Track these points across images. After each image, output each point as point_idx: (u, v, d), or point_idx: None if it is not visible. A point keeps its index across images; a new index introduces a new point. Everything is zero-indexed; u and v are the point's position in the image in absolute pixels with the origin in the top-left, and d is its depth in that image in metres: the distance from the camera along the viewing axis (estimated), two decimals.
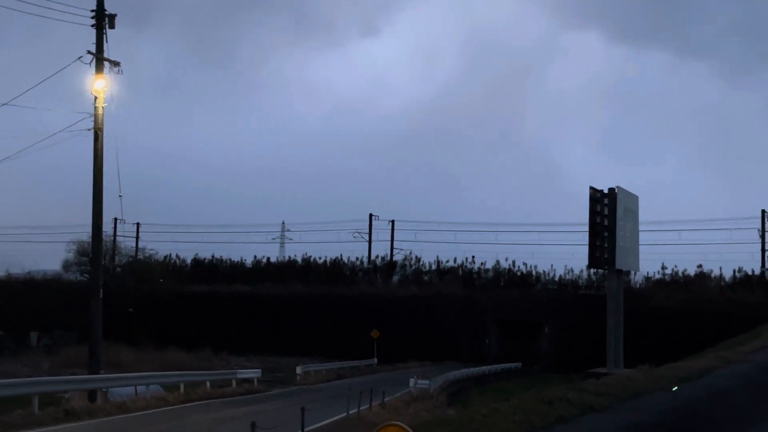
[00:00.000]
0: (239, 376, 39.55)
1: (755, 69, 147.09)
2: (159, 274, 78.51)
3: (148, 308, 69.83)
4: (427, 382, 36.07)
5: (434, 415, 22.62)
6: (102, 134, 32.10)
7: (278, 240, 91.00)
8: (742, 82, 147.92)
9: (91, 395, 28.85)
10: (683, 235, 71.91)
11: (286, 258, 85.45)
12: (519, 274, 75.02)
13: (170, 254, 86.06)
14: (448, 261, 77.26)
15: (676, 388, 13.41)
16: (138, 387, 31.12)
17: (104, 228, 35.06)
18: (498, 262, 75.76)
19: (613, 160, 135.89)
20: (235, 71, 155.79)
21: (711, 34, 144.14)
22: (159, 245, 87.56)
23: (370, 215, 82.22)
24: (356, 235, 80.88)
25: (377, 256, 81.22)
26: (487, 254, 79.40)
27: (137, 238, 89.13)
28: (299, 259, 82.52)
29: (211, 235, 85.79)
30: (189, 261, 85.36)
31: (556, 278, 73.86)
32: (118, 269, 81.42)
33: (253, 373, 41.50)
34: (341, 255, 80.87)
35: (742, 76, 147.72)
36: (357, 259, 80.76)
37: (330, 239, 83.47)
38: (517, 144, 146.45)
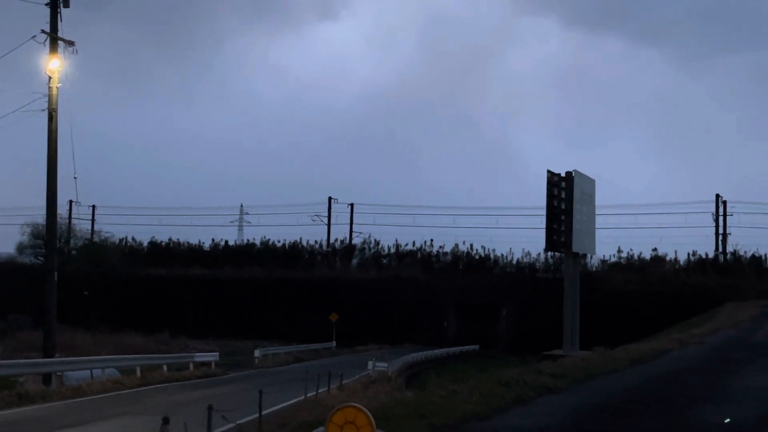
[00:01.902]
0: (197, 359, 39.36)
1: (708, 55, 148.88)
2: (115, 257, 77.66)
3: (104, 291, 69.09)
4: (385, 364, 36.18)
5: (392, 397, 22.65)
6: (56, 115, 31.60)
7: (236, 223, 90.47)
8: (696, 69, 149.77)
9: (46, 379, 28.53)
10: (639, 219, 72.82)
11: (245, 241, 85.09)
12: (477, 257, 75.39)
13: (126, 237, 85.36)
14: (407, 244, 77.50)
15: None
16: (93, 370, 30.84)
17: (59, 210, 34.54)
18: (456, 245, 76.14)
19: (569, 144, 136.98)
20: (192, 52, 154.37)
21: (665, 21, 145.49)
22: (115, 228, 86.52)
23: (330, 198, 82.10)
24: (315, 218, 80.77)
25: (336, 240, 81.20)
26: (445, 238, 79.68)
27: (93, 220, 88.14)
28: (258, 243, 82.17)
29: (169, 218, 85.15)
30: (146, 244, 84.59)
31: (514, 261, 74.38)
32: (74, 252, 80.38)
33: (211, 357, 41.31)
34: (300, 238, 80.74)
35: (695, 63, 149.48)
36: (316, 242, 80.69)
37: (289, 222, 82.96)
38: (474, 127, 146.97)
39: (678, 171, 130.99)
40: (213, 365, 39.79)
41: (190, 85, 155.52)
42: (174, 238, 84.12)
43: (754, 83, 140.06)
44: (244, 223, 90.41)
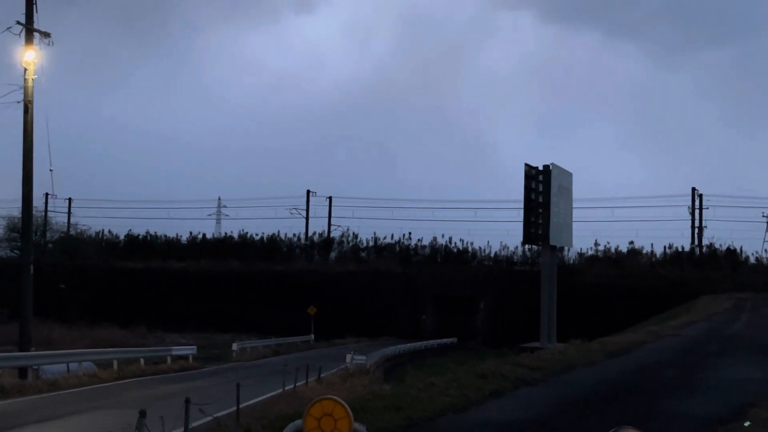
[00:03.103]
0: (174, 353, 39.24)
1: (683, 50, 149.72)
2: (91, 250, 77.28)
3: (80, 285, 68.80)
4: (363, 357, 36.23)
5: (370, 390, 22.72)
6: (32, 107, 31.33)
7: (214, 216, 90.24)
8: (671, 63, 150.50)
9: (22, 373, 28.33)
10: (615, 212, 73.42)
11: (223, 234, 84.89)
12: (455, 250, 75.61)
13: (103, 230, 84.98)
14: (385, 237, 77.65)
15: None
16: (70, 364, 30.66)
17: (35, 203, 34.33)
18: (435, 238, 76.36)
19: (546, 137, 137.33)
20: (168, 44, 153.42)
21: (641, 15, 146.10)
22: (91, 221, 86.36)
23: (308, 192, 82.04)
24: (293, 211, 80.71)
25: (314, 233, 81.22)
26: (424, 231, 79.97)
27: (69, 213, 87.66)
28: (236, 236, 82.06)
29: (146, 211, 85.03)
30: (122, 237, 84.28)
31: (492, 254, 74.69)
32: (50, 245, 79.99)
33: (189, 350, 41.20)
34: (278, 231, 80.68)
35: (670, 57, 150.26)
36: (294, 235, 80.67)
37: (267, 215, 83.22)
38: (452, 121, 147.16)
39: (654, 165, 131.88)
40: (190, 359, 39.68)
41: (167, 77, 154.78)
42: (151, 232, 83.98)
43: (730, 77, 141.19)
44: (222, 216, 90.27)
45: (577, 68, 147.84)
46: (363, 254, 77.79)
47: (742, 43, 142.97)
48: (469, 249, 75.46)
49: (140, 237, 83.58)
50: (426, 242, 76.48)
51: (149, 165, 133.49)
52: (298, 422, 7.82)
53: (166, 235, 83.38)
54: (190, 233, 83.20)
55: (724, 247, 71.72)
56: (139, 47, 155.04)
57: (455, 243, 75.60)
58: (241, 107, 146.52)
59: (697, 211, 73.18)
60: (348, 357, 35.70)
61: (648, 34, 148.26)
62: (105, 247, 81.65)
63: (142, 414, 10.72)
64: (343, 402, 7.67)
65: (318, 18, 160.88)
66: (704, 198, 73.14)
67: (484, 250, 75.08)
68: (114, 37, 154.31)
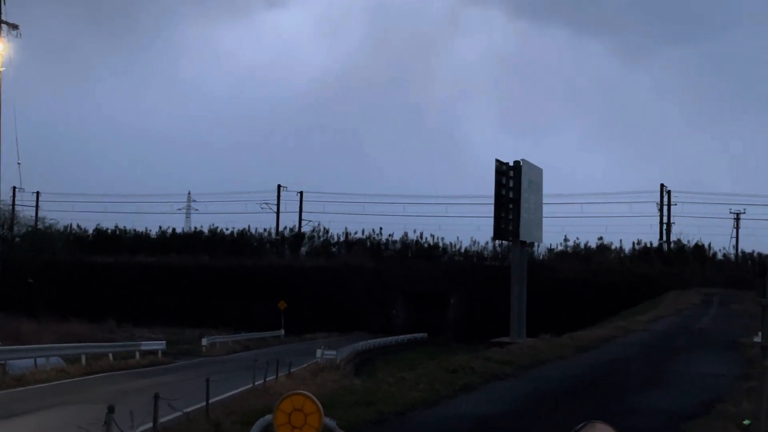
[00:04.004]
0: (143, 347, 38.98)
1: (650, 47, 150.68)
2: (60, 244, 76.61)
3: (48, 279, 68.20)
4: (334, 352, 36.21)
5: (341, 385, 22.72)
6: None
7: (184, 210, 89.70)
8: (639, 60, 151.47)
9: None
10: (585, 208, 73.74)
11: (192, 229, 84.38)
12: (426, 245, 75.72)
13: (71, 224, 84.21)
14: (356, 232, 77.56)
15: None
16: (38, 359, 30.39)
17: (2, 197, 33.95)
18: (406, 233, 76.39)
19: (517, 133, 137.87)
20: (137, 37, 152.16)
21: (609, 12, 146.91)
22: (60, 215, 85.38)
23: (278, 186, 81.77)
24: (264, 206, 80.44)
25: (285, 228, 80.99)
26: (394, 226, 79.87)
27: (37, 207, 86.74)
28: (205, 230, 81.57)
29: (115, 205, 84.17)
30: (91, 231, 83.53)
31: (462, 250, 74.83)
32: (18, 239, 79.18)
33: (158, 345, 40.96)
34: (249, 226, 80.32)
35: (638, 54, 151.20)
36: (265, 230, 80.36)
37: (237, 210, 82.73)
38: (423, 116, 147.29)
39: (623, 161, 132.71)
40: (160, 354, 39.45)
41: (136, 70, 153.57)
42: (120, 226, 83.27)
43: (698, 74, 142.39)
44: (192, 211, 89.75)
45: (546, 64, 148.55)
46: (334, 249, 77.71)
47: (709, 41, 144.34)
48: (440, 244, 75.65)
49: (109, 231, 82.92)
50: (397, 237, 76.58)
51: (118, 158, 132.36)
52: (268, 417, 7.79)
53: (135, 230, 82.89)
54: (160, 227, 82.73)
55: (692, 243, 72.43)
56: (111, 39, 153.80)
57: (426, 238, 75.78)
58: (212, 101, 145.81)
59: (665, 207, 73.83)
60: (318, 352, 35.65)
61: (615, 31, 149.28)
62: (73, 241, 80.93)
63: (111, 409, 10.63)
64: (313, 397, 7.65)
65: (290, 11, 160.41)
66: (672, 194, 73.81)
67: (455, 246, 75.31)
68: (85, 29, 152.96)
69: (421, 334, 61.15)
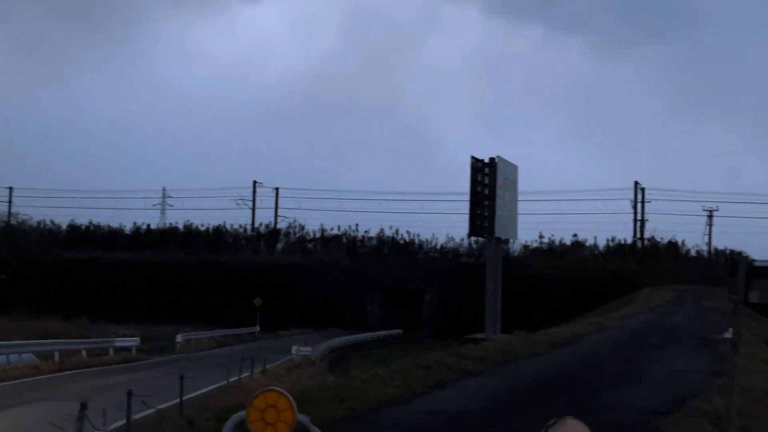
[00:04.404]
0: (117, 344, 38.83)
1: (626, 44, 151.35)
2: (33, 240, 76.01)
3: (21, 275, 67.65)
4: (309, 349, 36.21)
5: (315, 381, 22.73)
6: None
7: (159, 206, 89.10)
8: (614, 57, 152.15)
9: None
10: (560, 205, 74.14)
11: (167, 225, 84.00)
12: (402, 242, 75.87)
13: (45, 220, 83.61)
14: (332, 229, 77.59)
15: None
16: (10, 356, 30.17)
17: None
18: (382, 230, 76.50)
19: (492, 130, 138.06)
20: (111, 31, 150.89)
21: (584, 10, 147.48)
22: (33, 210, 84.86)
23: (254, 182, 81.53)
24: (240, 202, 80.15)
25: (261, 224, 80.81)
26: (370, 222, 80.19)
27: (10, 202, 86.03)
28: (180, 226, 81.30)
29: (89, 201, 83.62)
30: (65, 227, 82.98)
31: (438, 246, 75.08)
32: None
33: (132, 342, 40.79)
34: (224, 222, 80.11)
35: (613, 51, 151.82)
36: (240, 226, 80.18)
37: (212, 206, 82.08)
38: (399, 113, 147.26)
39: (598, 158, 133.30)
40: (133, 350, 39.30)
41: (110, 64, 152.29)
42: (94, 222, 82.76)
43: (672, 71, 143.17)
44: (167, 207, 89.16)
45: (521, 61, 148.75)
46: (310, 246, 77.67)
47: (684, 38, 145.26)
48: (416, 241, 75.82)
49: (83, 227, 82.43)
50: (373, 234, 76.70)
51: (92, 154, 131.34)
52: (242, 414, 7.77)
53: (109, 226, 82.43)
54: (134, 224, 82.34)
55: (665, 240, 73.03)
56: (84, 34, 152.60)
57: (402, 235, 75.95)
58: (188, 96, 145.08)
59: (639, 205, 74.27)
60: (293, 348, 35.65)
61: (591, 28, 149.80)
62: (47, 237, 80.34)
63: (83, 406, 10.56)
64: (286, 393, 7.64)
65: (266, 7, 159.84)
66: (646, 191, 74.22)
67: (431, 242, 75.54)
68: (57, 25, 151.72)
69: (396, 331, 61.25)
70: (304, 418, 7.80)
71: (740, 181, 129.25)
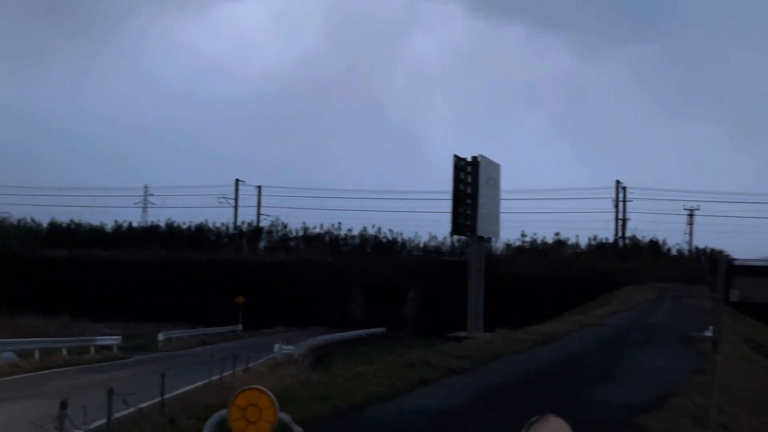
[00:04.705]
0: (98, 342, 38.64)
1: (608, 43, 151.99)
2: (13, 238, 75.52)
3: (2, 273, 67.18)
4: (291, 347, 36.12)
5: (298, 380, 22.66)
6: None
7: (140, 204, 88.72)
8: (596, 56, 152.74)
9: None
10: (542, 204, 74.42)
11: (149, 223, 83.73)
12: (385, 240, 75.92)
13: (25, 217, 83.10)
14: (315, 227, 77.62)
15: None
16: None
17: None
18: (365, 228, 76.56)
19: (475, 129, 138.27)
20: (93, 27, 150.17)
21: (566, 9, 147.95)
22: (13, 208, 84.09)
23: (237, 180, 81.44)
24: (222, 200, 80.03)
25: (243, 222, 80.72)
26: (353, 221, 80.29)
27: None
28: (162, 224, 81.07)
29: (70, 198, 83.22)
30: (45, 224, 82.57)
31: (421, 245, 75.21)
32: None
33: (113, 340, 40.61)
34: (206, 220, 79.93)
35: (595, 50, 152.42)
36: (223, 224, 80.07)
37: (195, 204, 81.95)
38: (382, 111, 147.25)
39: (580, 157, 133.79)
40: (115, 349, 39.11)
41: (91, 60, 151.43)
42: (75, 219, 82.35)
43: (654, 71, 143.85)
44: (149, 205, 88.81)
45: (504, 60, 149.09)
46: (292, 244, 77.58)
47: (666, 38, 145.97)
48: (399, 239, 75.92)
49: (64, 225, 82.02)
50: (356, 232, 76.77)
51: (74, 151, 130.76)
52: (223, 412, 7.73)
53: (90, 223, 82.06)
54: (116, 221, 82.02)
55: (646, 239, 73.43)
56: (63, 28, 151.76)
57: (384, 233, 76.02)
58: (170, 93, 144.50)
59: (621, 204, 74.64)
60: (276, 347, 35.56)
61: (573, 27, 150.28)
62: (27, 234, 79.87)
63: (63, 404, 10.49)
64: (268, 392, 7.61)
65: (248, 3, 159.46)
66: (628, 191, 74.66)
67: (413, 241, 75.67)
68: (39, 19, 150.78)
69: (380, 329, 61.27)
70: (286, 417, 7.77)
71: (721, 180, 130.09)
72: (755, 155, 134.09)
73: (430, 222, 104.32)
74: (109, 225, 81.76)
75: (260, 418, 7.51)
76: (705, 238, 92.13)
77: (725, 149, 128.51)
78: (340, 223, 77.15)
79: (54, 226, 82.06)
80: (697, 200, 73.21)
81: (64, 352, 33.91)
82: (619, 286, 59.97)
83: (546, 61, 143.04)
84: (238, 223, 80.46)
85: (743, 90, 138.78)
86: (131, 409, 14.90)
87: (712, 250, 70.02)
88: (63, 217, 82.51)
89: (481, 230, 54.66)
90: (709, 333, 21.00)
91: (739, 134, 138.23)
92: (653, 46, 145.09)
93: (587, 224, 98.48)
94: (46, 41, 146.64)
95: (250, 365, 28.66)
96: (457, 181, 53.27)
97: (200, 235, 79.06)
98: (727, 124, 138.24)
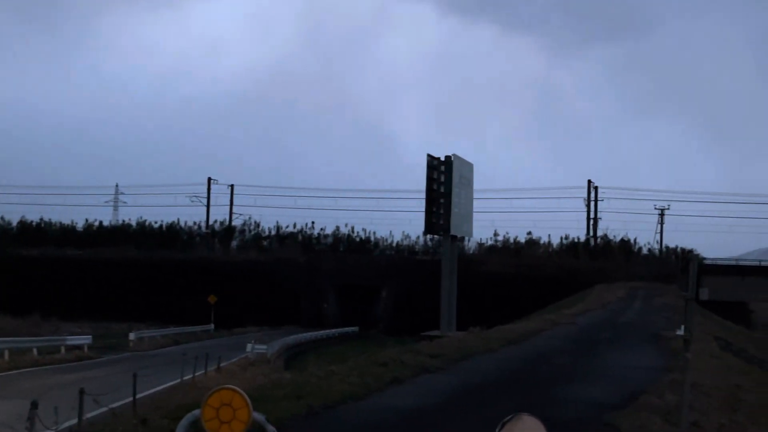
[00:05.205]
0: (69, 342, 38.35)
1: (579, 45, 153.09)
2: None
3: None
4: (264, 346, 36.07)
5: (270, 379, 22.60)
6: None
7: (111, 203, 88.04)
8: (566, 57, 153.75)
9: None
10: (514, 203, 74.64)
11: (120, 222, 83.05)
12: (358, 239, 75.85)
13: None
14: (288, 226, 77.33)
15: None
16: None
17: None
18: (337, 227, 76.43)
19: (447, 128, 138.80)
20: (64, 25, 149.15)
21: (537, 10, 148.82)
22: None
23: (209, 179, 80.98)
24: (194, 199, 79.53)
25: (216, 221, 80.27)
26: (326, 220, 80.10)
27: None
28: (134, 223, 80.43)
29: (40, 197, 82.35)
30: (15, 223, 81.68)
31: (394, 244, 75.21)
32: None
33: (84, 340, 40.32)
34: (178, 219, 79.38)
35: (566, 51, 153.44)
36: (195, 223, 79.55)
37: (166, 203, 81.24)
38: (354, 110, 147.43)
39: (552, 157, 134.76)
40: (86, 348, 38.83)
41: (61, 58, 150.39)
42: (46, 218, 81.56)
43: (624, 71, 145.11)
44: (120, 203, 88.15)
45: (477, 60, 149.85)
46: (265, 243, 77.31)
47: (636, 39, 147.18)
48: (372, 238, 75.85)
49: (34, 224, 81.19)
50: (329, 231, 76.60)
51: (43, 149, 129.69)
52: (196, 412, 7.72)
53: (61, 222, 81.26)
54: (87, 220, 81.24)
55: (618, 238, 73.83)
56: (34, 27, 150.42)
57: (358, 232, 75.93)
58: (141, 92, 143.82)
59: (592, 203, 75.04)
60: (249, 346, 35.48)
61: (544, 29, 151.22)
62: None
63: (34, 405, 10.43)
64: (241, 391, 7.60)
65: (220, 3, 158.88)
66: (599, 190, 75.06)
67: (387, 240, 75.64)
68: (6, 16, 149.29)
69: (353, 328, 61.27)
70: (259, 416, 7.77)
71: (691, 180, 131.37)
72: (724, 155, 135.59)
73: (403, 221, 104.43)
74: (80, 224, 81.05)
75: (234, 418, 7.49)
76: (675, 238, 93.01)
77: (695, 149, 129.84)
78: (313, 222, 77.09)
79: (24, 224, 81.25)
80: (668, 200, 73.88)
81: (35, 351, 33.66)
82: (591, 285, 60.31)
83: (518, 61, 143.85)
84: (211, 222, 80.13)
85: (712, 91, 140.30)
86: (103, 409, 14.82)
87: (683, 250, 70.66)
88: (33, 216, 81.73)
89: (455, 229, 54.82)
90: (680, 332, 21.21)
91: (708, 134, 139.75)
92: (623, 46, 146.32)
93: (559, 223, 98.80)
94: (14, 37, 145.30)
95: (222, 365, 28.60)
96: (430, 180, 53.39)
97: (172, 234, 78.57)
98: (696, 125, 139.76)
